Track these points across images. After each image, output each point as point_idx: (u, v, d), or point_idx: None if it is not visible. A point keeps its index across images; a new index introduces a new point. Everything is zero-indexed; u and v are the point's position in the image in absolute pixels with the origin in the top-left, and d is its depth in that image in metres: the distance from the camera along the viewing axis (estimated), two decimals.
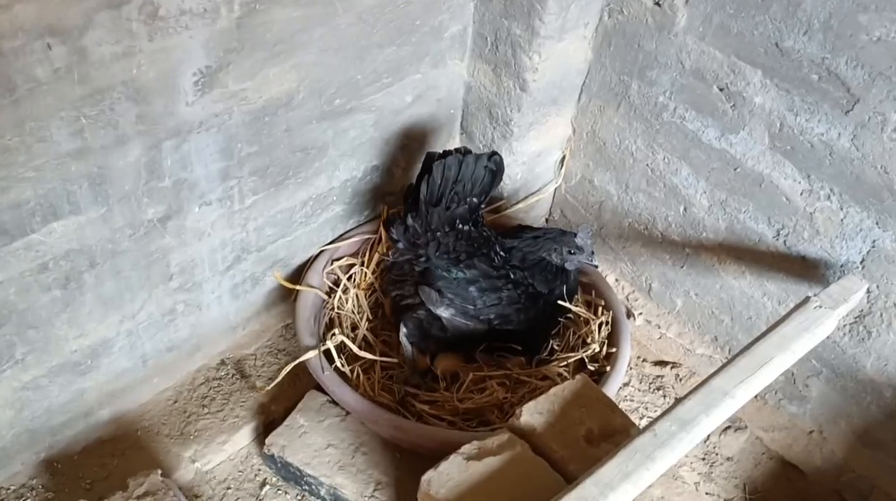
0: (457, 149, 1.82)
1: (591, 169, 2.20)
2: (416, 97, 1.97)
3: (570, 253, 1.90)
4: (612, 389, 1.78)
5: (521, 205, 2.24)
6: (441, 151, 1.83)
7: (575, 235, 1.91)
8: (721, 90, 1.80)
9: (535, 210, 2.32)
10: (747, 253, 1.94)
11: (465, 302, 1.83)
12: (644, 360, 2.31)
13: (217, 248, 1.77)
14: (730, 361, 1.51)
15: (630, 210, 2.15)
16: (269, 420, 1.94)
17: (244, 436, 1.91)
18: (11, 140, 1.26)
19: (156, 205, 1.57)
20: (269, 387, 1.84)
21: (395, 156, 2.05)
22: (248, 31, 1.48)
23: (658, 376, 2.29)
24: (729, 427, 2.18)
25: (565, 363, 1.86)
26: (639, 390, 2.25)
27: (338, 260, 2.02)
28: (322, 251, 2.03)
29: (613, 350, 1.87)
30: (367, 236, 2.06)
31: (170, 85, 1.43)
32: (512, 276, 1.86)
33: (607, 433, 1.52)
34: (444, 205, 1.80)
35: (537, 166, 2.21)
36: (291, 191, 1.85)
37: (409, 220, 1.83)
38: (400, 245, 1.88)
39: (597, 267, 1.99)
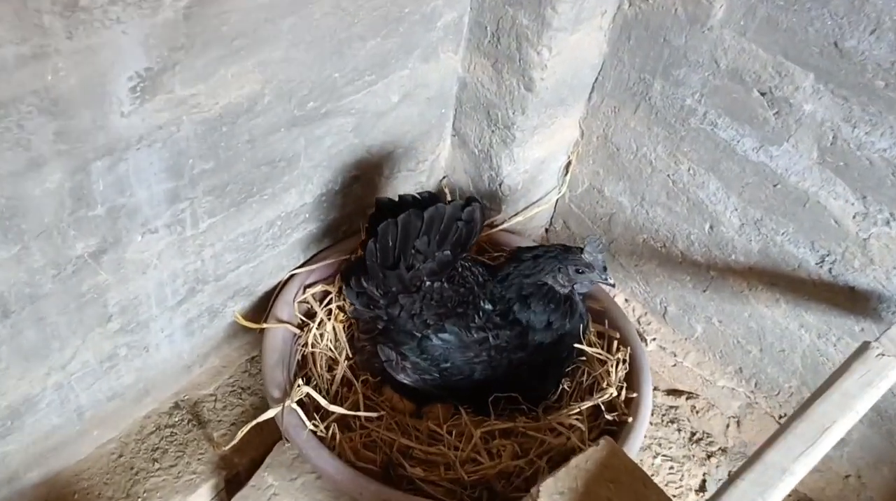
0: (417, 197, 1.53)
1: (600, 177, 1.93)
2: (404, 96, 1.68)
3: (577, 271, 1.60)
4: (635, 445, 1.53)
5: (519, 218, 1.96)
6: (397, 196, 1.54)
7: (581, 250, 1.61)
8: (763, 94, 1.54)
9: (534, 221, 2.05)
10: (783, 280, 1.69)
11: (432, 366, 1.56)
12: (656, 388, 2.07)
13: (166, 282, 1.48)
14: (785, 429, 1.28)
15: (646, 225, 1.89)
16: (232, 476, 1.67)
17: (203, 496, 1.64)
18: None
19: (86, 239, 1.27)
20: (227, 447, 1.56)
21: (377, 164, 1.77)
22: (199, 23, 1.18)
23: (672, 407, 2.05)
24: None
25: (577, 410, 1.59)
26: (650, 423, 2.01)
27: (311, 285, 1.73)
28: (292, 276, 1.74)
29: (634, 395, 1.61)
30: (344, 257, 1.77)
31: (98, 93, 1.13)
32: (492, 341, 1.58)
33: None
34: (405, 266, 1.50)
35: (540, 173, 1.94)
36: (256, 210, 1.55)
37: (364, 283, 1.54)
38: (356, 306, 1.59)
39: (614, 285, 1.71)
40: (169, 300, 1.52)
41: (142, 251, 1.39)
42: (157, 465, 1.64)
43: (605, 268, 1.63)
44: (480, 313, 1.57)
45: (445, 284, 1.55)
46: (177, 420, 1.71)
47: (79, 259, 1.28)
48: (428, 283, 1.53)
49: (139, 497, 1.58)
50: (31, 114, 1.06)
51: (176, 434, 1.69)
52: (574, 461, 1.30)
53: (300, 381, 1.48)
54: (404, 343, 1.55)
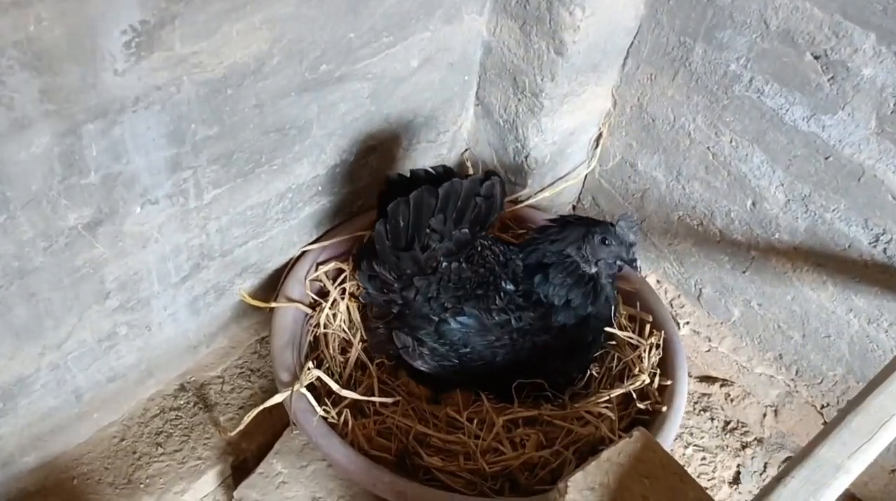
0: (431, 172, 1.41)
1: (633, 150, 1.81)
2: (424, 61, 1.56)
3: (603, 242, 1.46)
4: (669, 437, 1.42)
5: (546, 194, 1.85)
6: (409, 172, 1.43)
7: (612, 225, 1.49)
8: (817, 58, 1.41)
9: (561, 197, 1.94)
10: (832, 261, 1.57)
11: (451, 351, 1.46)
12: (689, 374, 1.95)
13: (168, 256, 1.38)
14: (838, 423, 1.17)
15: (682, 201, 1.77)
16: (239, 462, 1.59)
17: (208, 483, 1.55)
18: None
19: (79, 209, 1.17)
20: (233, 432, 1.47)
21: (394, 135, 1.66)
22: None
23: (704, 394, 1.94)
24: (791, 458, 1.83)
25: (606, 398, 1.48)
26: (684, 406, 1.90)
27: (324, 263, 1.63)
28: (304, 252, 1.64)
29: (668, 382, 1.50)
30: (359, 233, 1.66)
31: (87, 47, 1.02)
32: (514, 323, 1.47)
33: None
34: (420, 247, 1.39)
35: (569, 146, 1.82)
36: (265, 181, 1.45)
37: (376, 267, 1.43)
38: (369, 290, 1.49)
39: (635, 264, 1.53)
40: (172, 276, 1.42)
41: (141, 223, 1.29)
42: (160, 450, 1.55)
43: (631, 246, 1.49)
44: (502, 294, 1.46)
45: (464, 265, 1.44)
46: (182, 402, 1.62)
47: (72, 230, 1.19)
48: (445, 264, 1.42)
49: (141, 483, 1.50)
50: (12, 69, 0.96)
51: (181, 417, 1.60)
52: (605, 454, 1.19)
53: (310, 364, 1.38)
54: (421, 327, 1.45)
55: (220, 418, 1.59)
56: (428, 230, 1.36)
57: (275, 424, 1.58)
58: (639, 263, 1.51)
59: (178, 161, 1.27)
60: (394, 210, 1.33)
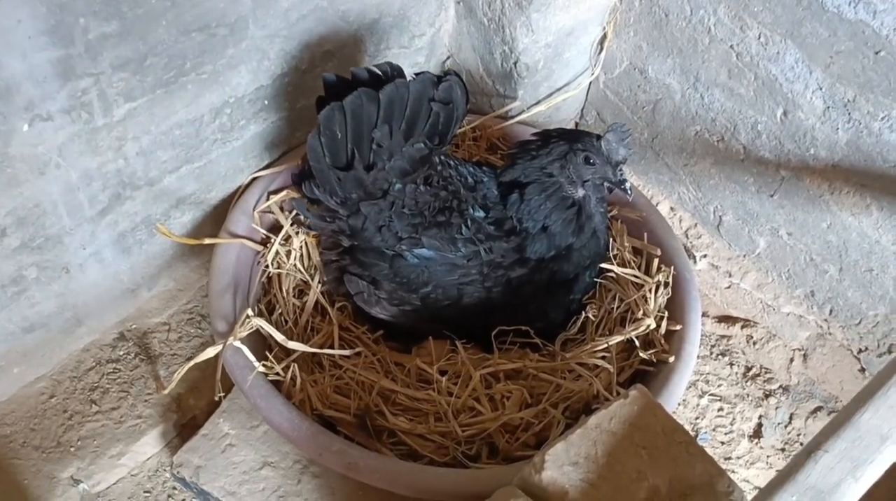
0: (376, 72, 1.15)
1: (643, 53, 1.54)
2: None
3: (587, 162, 1.23)
4: (676, 394, 1.20)
5: (541, 108, 1.59)
6: (350, 72, 1.16)
7: (599, 138, 1.24)
8: None
9: (560, 112, 1.68)
10: (878, 181, 1.33)
11: (411, 292, 1.23)
12: (705, 314, 1.72)
13: (77, 185, 1.16)
14: (884, 382, 0.93)
15: (699, 113, 1.51)
16: (186, 420, 1.41)
17: (149, 445, 1.38)
18: None
19: None
20: (166, 390, 1.27)
21: (357, 38, 1.40)
22: None
23: (723, 336, 1.71)
24: (821, 408, 1.61)
25: (604, 347, 1.26)
26: (697, 356, 1.67)
27: (276, 191, 1.40)
28: (254, 180, 1.41)
29: (677, 327, 1.27)
30: None
31: None
32: (484, 255, 1.24)
33: (682, 492, 0.95)
34: (364, 165, 1.16)
35: (566, 50, 1.55)
36: (193, 93, 1.21)
37: (316, 190, 1.20)
38: (310, 219, 1.27)
39: (628, 190, 1.26)
40: (86, 209, 1.20)
41: (33, 145, 1.06)
42: (95, 407, 1.37)
43: (619, 164, 1.24)
44: (468, 222, 1.22)
45: (421, 187, 1.20)
46: (121, 353, 1.43)
47: None
48: (398, 186, 1.18)
49: (72, 446, 1.32)
50: None
51: (119, 370, 1.41)
52: (594, 419, 0.98)
53: (250, 311, 1.17)
54: (374, 264, 1.22)
55: (161, 372, 1.39)
56: (372, 145, 1.12)
57: (226, 378, 1.38)
58: (629, 185, 1.25)
59: (69, 65, 1.03)
60: (327, 118, 1.09)
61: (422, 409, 1.22)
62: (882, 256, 1.38)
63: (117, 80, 1.10)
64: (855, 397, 0.93)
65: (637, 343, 1.26)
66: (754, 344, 1.68)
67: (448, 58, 1.63)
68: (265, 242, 1.37)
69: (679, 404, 1.57)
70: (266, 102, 1.34)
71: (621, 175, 1.23)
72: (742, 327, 1.70)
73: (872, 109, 1.25)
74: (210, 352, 1.16)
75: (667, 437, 0.98)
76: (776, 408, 1.61)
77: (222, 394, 1.16)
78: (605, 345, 1.26)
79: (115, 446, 1.33)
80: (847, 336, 1.53)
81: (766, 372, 1.65)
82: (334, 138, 1.11)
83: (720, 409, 1.61)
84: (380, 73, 1.14)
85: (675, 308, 1.30)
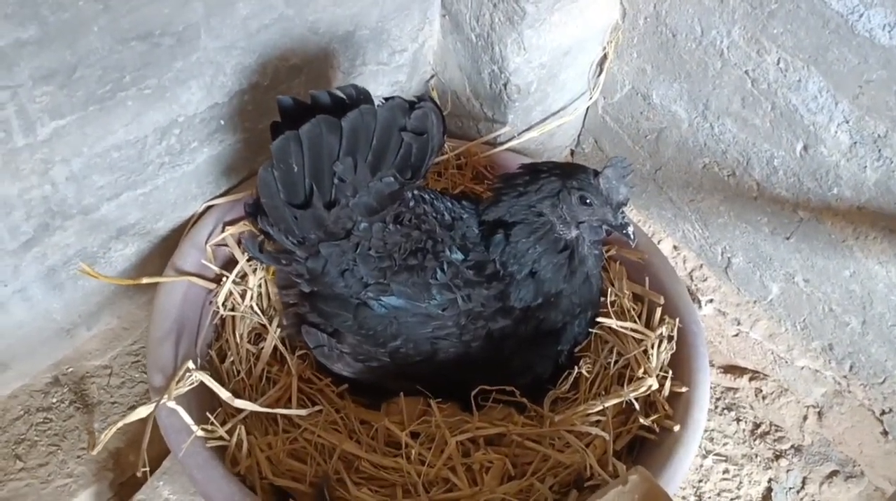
0: (339, 96, 1.00)
1: (647, 76, 1.40)
2: None
3: (583, 202, 1.09)
4: (681, 470, 1.04)
5: (533, 134, 1.45)
6: (309, 96, 1.00)
7: (597, 174, 1.10)
8: None
9: (554, 139, 1.53)
10: None
11: (377, 347, 1.09)
12: (710, 364, 1.56)
13: None
14: None
15: (709, 144, 1.37)
16: (126, 479, 1.24)
17: None
18: None
19: None
20: (94, 451, 1.10)
21: (327, 52, 1.25)
22: None
23: (729, 389, 1.57)
24: (837, 473, 1.46)
25: (599, 408, 1.10)
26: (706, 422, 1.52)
27: (233, 222, 1.24)
28: (209, 208, 1.25)
29: (683, 389, 1.11)
30: None
31: None
32: (462, 304, 1.09)
33: None
34: (324, 202, 1.01)
35: (562, 71, 1.41)
36: (133, 111, 1.06)
37: (269, 229, 1.04)
38: (262, 259, 1.12)
39: (631, 235, 1.13)
40: (6, 241, 1.05)
41: None
42: (19, 464, 1.21)
43: (620, 206, 1.10)
44: (445, 265, 1.07)
45: (391, 226, 1.05)
46: (54, 401, 1.26)
47: None
48: (364, 225, 1.03)
49: None
50: None
51: (51, 420, 1.25)
52: None
53: (190, 364, 1.01)
54: (335, 314, 1.07)
55: (97, 424, 1.23)
56: (334, 179, 0.97)
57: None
58: (632, 230, 1.11)
59: None
60: (280, 149, 0.94)
61: (388, 479, 1.06)
62: None
63: (40, 95, 0.95)
64: None
65: (636, 406, 1.11)
66: (763, 398, 1.53)
67: (432, 76, 1.49)
68: (218, 279, 1.21)
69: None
70: (222, 122, 1.19)
71: (623, 218, 1.08)
72: (750, 379, 1.55)
73: None
74: (142, 412, 1.00)
75: None
76: (787, 471, 1.47)
77: (146, 469, 0.99)
78: (601, 408, 1.11)
79: None
80: (869, 395, 1.38)
81: (776, 430, 1.50)
82: (290, 171, 0.96)
83: (726, 471, 1.46)
84: (343, 96, 0.99)
85: (681, 366, 1.15)
